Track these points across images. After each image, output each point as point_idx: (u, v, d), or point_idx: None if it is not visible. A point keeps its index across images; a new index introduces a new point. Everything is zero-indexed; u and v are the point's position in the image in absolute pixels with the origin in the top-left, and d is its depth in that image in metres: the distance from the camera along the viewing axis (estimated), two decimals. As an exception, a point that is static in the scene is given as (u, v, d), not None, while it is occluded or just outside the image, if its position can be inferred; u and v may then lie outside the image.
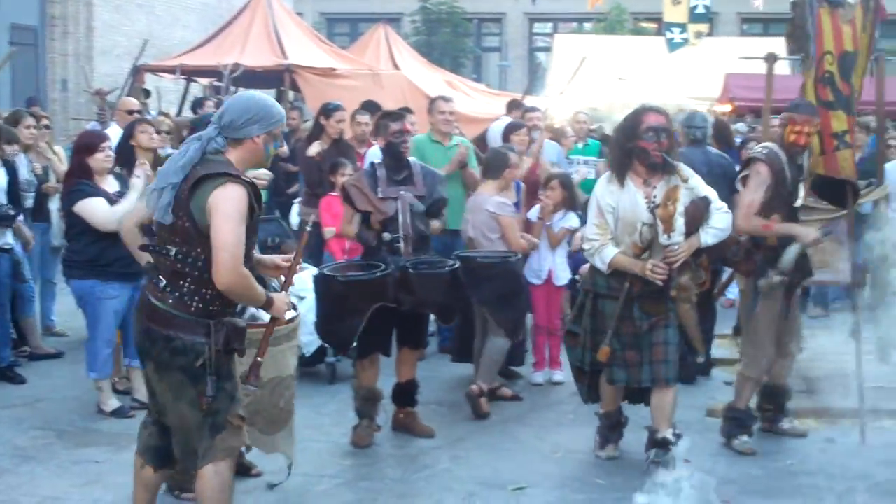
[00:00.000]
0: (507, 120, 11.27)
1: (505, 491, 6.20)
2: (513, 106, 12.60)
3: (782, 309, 6.88)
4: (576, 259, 9.32)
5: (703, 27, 22.87)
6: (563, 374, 8.61)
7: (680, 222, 6.08)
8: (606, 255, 6.16)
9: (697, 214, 6.09)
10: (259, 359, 4.78)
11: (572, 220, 8.60)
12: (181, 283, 4.52)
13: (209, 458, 4.55)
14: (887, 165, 7.14)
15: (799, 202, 6.93)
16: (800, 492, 6.06)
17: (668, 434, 6.29)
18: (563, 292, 9.03)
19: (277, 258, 5.14)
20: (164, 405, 4.66)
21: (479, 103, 15.67)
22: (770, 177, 6.67)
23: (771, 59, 8.47)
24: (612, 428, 6.73)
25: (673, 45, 21.27)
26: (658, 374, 6.28)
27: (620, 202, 6.16)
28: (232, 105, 4.69)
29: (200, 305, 4.52)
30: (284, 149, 10.54)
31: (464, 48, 30.27)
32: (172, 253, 4.52)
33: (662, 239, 6.06)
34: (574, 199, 8.66)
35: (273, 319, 4.88)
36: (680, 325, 6.34)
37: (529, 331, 8.82)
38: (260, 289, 4.68)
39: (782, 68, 13.92)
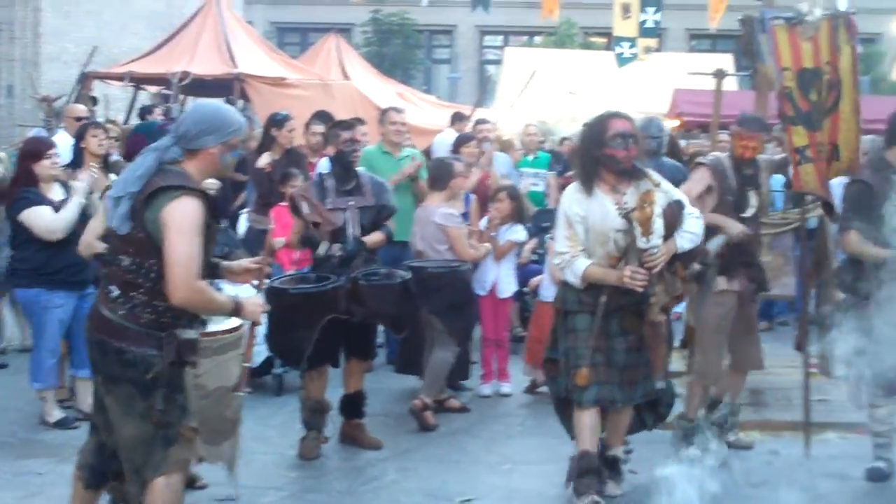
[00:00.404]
0: (452, 132, 11.32)
1: (453, 503, 6.18)
2: (457, 118, 12.60)
3: (735, 320, 6.95)
4: (525, 271, 9.35)
5: (653, 42, 22.97)
6: (511, 385, 8.66)
7: (658, 224, 5.73)
8: (579, 266, 5.81)
9: (673, 218, 5.86)
10: (246, 364, 4.91)
11: (519, 232, 8.63)
12: (133, 293, 4.46)
13: (161, 471, 4.48)
14: (832, 182, 7.22)
15: (751, 211, 6.97)
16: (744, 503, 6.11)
17: (619, 452, 6.28)
18: (511, 304, 9.05)
19: (245, 262, 5.10)
20: (112, 419, 4.59)
21: (429, 115, 15.67)
22: (711, 179, 6.84)
23: (719, 74, 8.58)
24: (590, 472, 5.97)
25: (622, 60, 21.31)
26: (632, 396, 6.00)
27: (590, 211, 5.83)
28: (188, 115, 4.66)
29: (152, 317, 4.46)
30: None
31: (414, 60, 30.26)
32: (125, 263, 4.46)
33: (641, 242, 5.67)
34: (522, 211, 8.68)
35: (253, 324, 4.84)
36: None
37: (477, 343, 8.82)
38: (222, 297, 4.64)
39: (730, 84, 14.10)
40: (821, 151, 7.18)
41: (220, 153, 4.58)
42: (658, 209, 5.72)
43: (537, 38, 29.68)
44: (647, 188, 5.81)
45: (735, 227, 6.77)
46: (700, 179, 6.91)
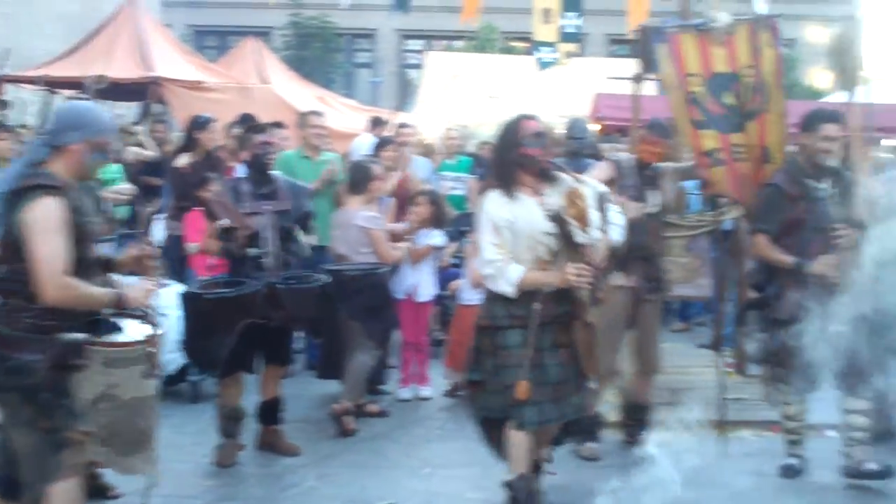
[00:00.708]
0: (370, 136, 11.31)
1: (371, 509, 6.15)
2: (375, 123, 12.57)
3: (635, 321, 7.01)
4: (445, 275, 9.34)
5: (573, 47, 23.10)
6: (431, 389, 8.65)
7: (594, 216, 5.50)
8: (513, 274, 5.46)
9: (602, 211, 5.67)
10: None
11: (437, 238, 8.63)
12: (11, 299, 4.39)
13: (56, 477, 4.42)
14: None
15: (650, 209, 7.06)
16: (658, 503, 6.12)
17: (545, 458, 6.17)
18: (430, 308, 9.04)
19: (131, 250, 5.04)
20: (6, 427, 4.51)
21: (349, 119, 15.62)
22: (614, 173, 7.02)
23: (638, 79, 8.61)
24: (531, 496, 5.73)
25: (543, 64, 21.38)
26: (564, 412, 5.70)
27: (517, 215, 5.51)
28: (56, 112, 4.63)
29: (32, 321, 4.38)
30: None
31: (335, 63, 30.13)
32: (2, 268, 4.40)
33: (580, 237, 5.40)
34: (441, 216, 8.67)
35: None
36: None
37: (396, 347, 8.79)
38: (99, 291, 4.58)
39: (650, 88, 14.19)
40: (737, 153, 7.27)
41: (85, 151, 4.54)
42: (590, 202, 5.53)
43: (458, 43, 29.68)
44: (569, 185, 5.62)
45: (632, 209, 6.80)
46: (604, 170, 7.07)
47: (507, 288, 5.50)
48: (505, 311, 5.58)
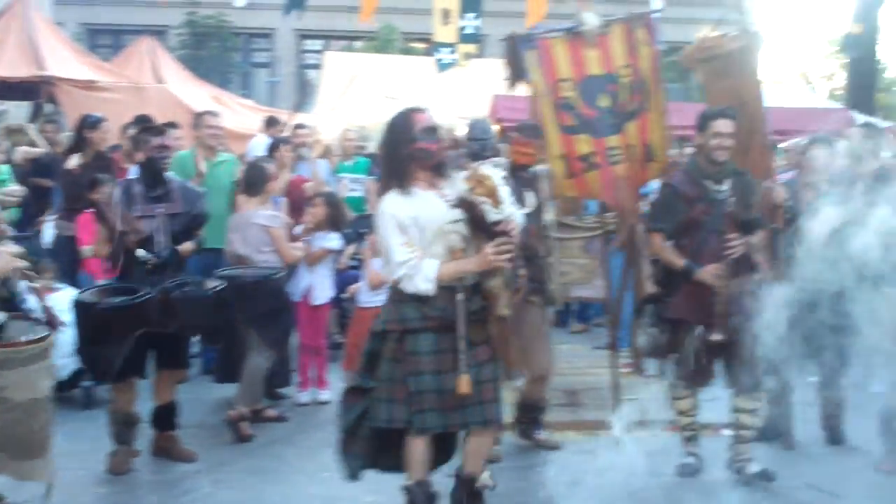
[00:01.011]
0: (265, 138, 11.24)
1: (269, 514, 6.10)
2: (270, 123, 12.43)
3: (521, 323, 7.05)
4: (343, 277, 9.30)
5: (472, 48, 23.18)
6: (330, 393, 8.58)
7: (505, 192, 5.24)
8: (430, 269, 5.18)
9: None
10: None
11: (333, 240, 8.58)
12: None
13: None
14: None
15: (527, 210, 7.10)
16: (555, 502, 6.15)
17: (487, 480, 5.91)
18: (328, 311, 8.99)
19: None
20: None
21: (246, 119, 15.48)
22: None
23: (511, 83, 8.66)
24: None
25: (442, 66, 21.38)
26: (490, 415, 5.40)
27: (419, 210, 5.26)
28: None
29: None
30: None
31: (232, 63, 29.81)
32: None
33: (493, 215, 5.13)
34: (338, 218, 8.63)
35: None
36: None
37: (295, 351, 8.73)
38: None
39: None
40: (612, 156, 7.33)
41: None
42: (501, 185, 5.24)
43: (358, 43, 29.61)
44: (469, 172, 5.35)
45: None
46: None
47: (425, 286, 5.20)
48: (418, 313, 5.28)
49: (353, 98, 17.43)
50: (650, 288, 7.42)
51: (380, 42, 27.34)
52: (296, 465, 7.00)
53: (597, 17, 7.40)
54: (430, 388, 5.27)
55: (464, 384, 5.21)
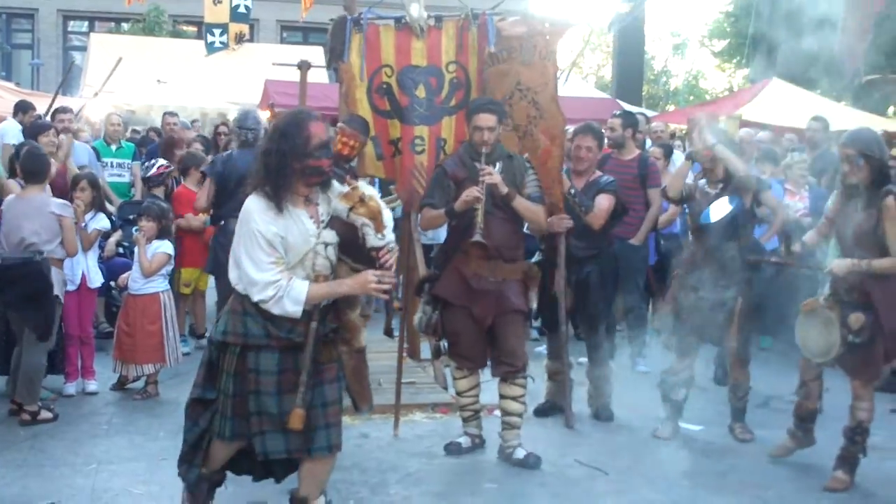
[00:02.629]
0: (14, 123, 10.80)
1: (33, 509, 5.86)
2: (20, 108, 11.83)
3: None
4: (110, 265, 9.04)
5: (244, 28, 22.93)
6: (97, 384, 8.35)
7: (389, 217, 5.01)
8: (300, 291, 4.79)
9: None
10: None
11: (103, 220, 8.39)
12: None
13: None
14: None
15: None
16: (334, 487, 6.13)
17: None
18: (96, 299, 8.72)
19: None
20: None
21: (7, 103, 14.81)
22: None
23: (304, 66, 8.63)
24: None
25: (212, 48, 21.12)
26: (334, 440, 5.08)
27: (288, 230, 4.84)
28: None
29: None
30: None
31: (-8, 44, 28.59)
32: None
33: (375, 240, 4.88)
34: (102, 199, 8.43)
35: None
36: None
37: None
38: None
39: (321, 76, 14.24)
40: (416, 146, 7.41)
41: None
42: (385, 209, 5.00)
43: (125, 25, 28.80)
44: (340, 190, 5.05)
45: None
46: None
47: (293, 308, 4.81)
48: (262, 331, 4.90)
49: (121, 81, 16.91)
50: (423, 272, 7.54)
51: (148, 24, 26.68)
52: (61, 458, 6.76)
53: (420, 9, 7.42)
54: (271, 409, 4.92)
55: (296, 419, 4.85)
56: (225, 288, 6.73)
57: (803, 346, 6.77)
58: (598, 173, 8.11)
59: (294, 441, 4.96)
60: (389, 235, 4.97)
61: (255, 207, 4.85)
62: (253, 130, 9.10)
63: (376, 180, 9.09)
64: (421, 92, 7.41)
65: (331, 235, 4.94)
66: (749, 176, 7.37)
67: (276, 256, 4.81)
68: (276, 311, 4.82)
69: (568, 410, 7.81)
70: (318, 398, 4.99)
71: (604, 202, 7.79)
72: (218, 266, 8.24)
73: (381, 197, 9.19)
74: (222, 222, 8.81)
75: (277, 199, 4.84)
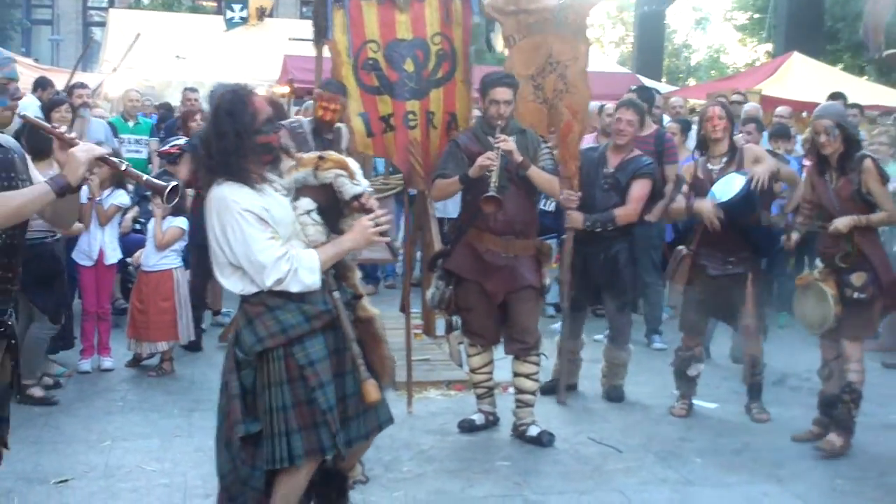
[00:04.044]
0: (34, 99, 10.79)
1: (47, 485, 5.88)
2: (39, 85, 11.86)
3: None
4: (126, 241, 9.04)
5: (267, 2, 22.83)
6: (112, 360, 8.38)
7: (354, 163, 4.70)
8: (311, 258, 4.40)
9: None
10: None
11: (122, 196, 8.40)
12: None
13: None
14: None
15: None
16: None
17: (359, 475, 5.38)
18: (114, 275, 8.74)
19: None
20: None
21: (27, 79, 14.83)
22: (288, 139, 6.92)
23: (319, 40, 8.57)
24: None
25: (231, 24, 21.06)
26: (374, 422, 4.72)
27: (269, 204, 4.43)
28: None
29: None
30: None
31: (12, 20, 28.59)
32: None
33: (353, 188, 4.57)
34: (121, 176, 8.39)
35: None
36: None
37: (78, 317, 8.45)
38: None
39: (336, 51, 14.20)
40: (409, 121, 7.34)
41: None
42: (349, 157, 4.73)
43: (145, 0, 28.82)
44: (289, 164, 4.71)
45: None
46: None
47: (311, 278, 4.38)
48: (300, 316, 4.43)
49: (140, 57, 16.93)
50: (439, 247, 7.51)
51: (167, -1, 26.70)
52: (75, 435, 6.78)
53: None
54: (333, 402, 4.45)
55: (373, 391, 4.52)
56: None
57: (801, 319, 6.98)
58: (637, 152, 7.82)
59: (369, 422, 4.66)
60: (364, 180, 4.70)
61: (228, 192, 4.38)
62: None
63: (377, 163, 9.08)
64: (409, 66, 7.33)
65: (307, 202, 4.59)
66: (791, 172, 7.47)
67: (272, 231, 4.37)
68: (295, 287, 4.36)
69: (561, 388, 7.82)
70: (353, 383, 4.59)
71: (638, 191, 7.61)
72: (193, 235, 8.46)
73: (392, 174, 9.21)
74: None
75: (246, 177, 4.43)
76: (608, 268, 7.69)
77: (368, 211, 4.58)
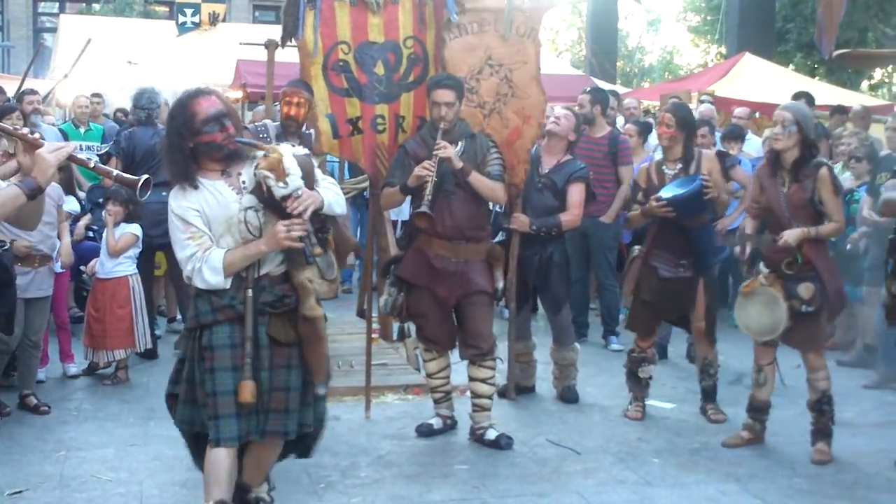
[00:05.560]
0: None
1: (1, 496, 5.80)
2: (-14, 91, 11.72)
3: None
4: (79, 248, 8.97)
5: (220, 7, 22.72)
6: (77, 366, 8.34)
7: (292, 165, 4.69)
8: (215, 259, 4.68)
9: (307, 168, 4.85)
10: None
11: (73, 203, 8.34)
12: None
13: None
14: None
15: None
16: (304, 470, 6.11)
17: (263, 493, 5.37)
18: (68, 281, 8.67)
19: None
20: None
21: (-24, 85, 14.68)
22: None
23: (270, 45, 8.57)
24: None
25: (183, 29, 20.94)
26: (276, 427, 4.90)
27: (204, 202, 4.74)
28: None
29: None
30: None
31: (-39, 26, 28.31)
32: None
33: (279, 190, 4.63)
34: (72, 182, 8.39)
35: None
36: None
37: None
38: None
39: (292, 56, 14.15)
40: (377, 125, 7.32)
41: None
42: (287, 156, 4.74)
43: (96, 6, 28.57)
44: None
45: None
46: None
47: (214, 278, 4.70)
48: (208, 306, 4.81)
49: (91, 63, 16.76)
50: (395, 252, 7.50)
51: (118, 4, 26.47)
52: (29, 445, 6.71)
53: None
54: (226, 388, 4.74)
55: (246, 391, 4.71)
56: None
57: (745, 327, 6.83)
58: (569, 157, 7.89)
59: (273, 424, 4.85)
60: (295, 183, 4.69)
61: (172, 194, 4.80)
62: (146, 109, 9.38)
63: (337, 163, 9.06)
64: (380, 69, 7.30)
65: (249, 199, 4.77)
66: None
67: (191, 231, 4.72)
68: (200, 284, 4.74)
69: (510, 385, 7.90)
70: (282, 381, 4.86)
71: (577, 196, 7.68)
72: None
73: (356, 176, 9.16)
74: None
75: (188, 177, 4.77)
76: (543, 269, 7.75)
77: (289, 215, 4.69)
